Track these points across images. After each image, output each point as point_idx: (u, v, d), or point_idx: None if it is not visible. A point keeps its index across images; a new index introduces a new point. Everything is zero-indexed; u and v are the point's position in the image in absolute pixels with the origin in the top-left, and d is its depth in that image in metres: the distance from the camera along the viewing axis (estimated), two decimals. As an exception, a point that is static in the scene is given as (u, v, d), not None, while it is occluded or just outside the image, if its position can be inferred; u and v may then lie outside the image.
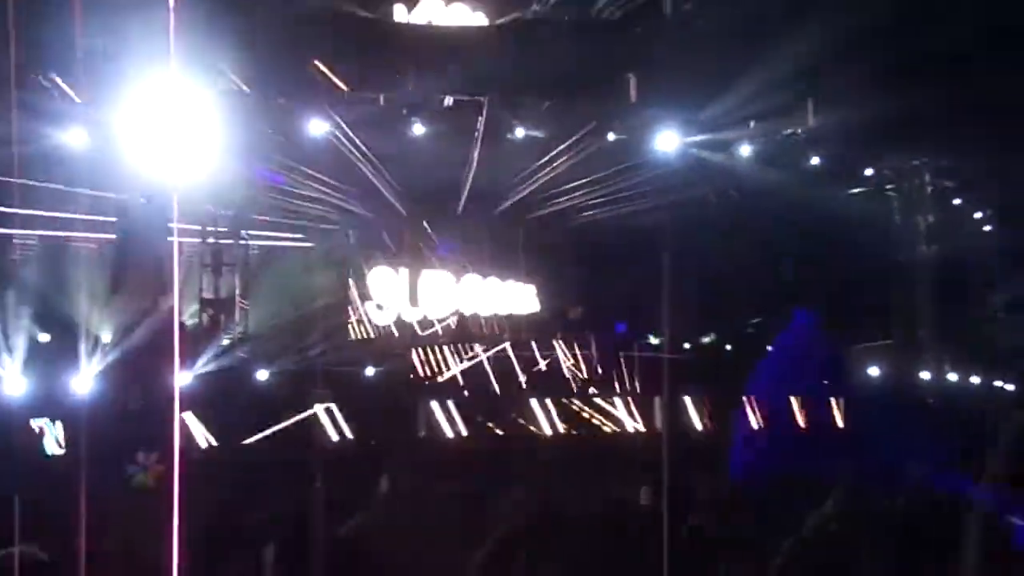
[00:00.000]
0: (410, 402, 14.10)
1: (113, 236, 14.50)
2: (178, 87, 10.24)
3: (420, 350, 15.96)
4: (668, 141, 15.03)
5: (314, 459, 9.87)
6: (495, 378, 15.88)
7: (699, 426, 14.41)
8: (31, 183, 13.02)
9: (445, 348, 16.14)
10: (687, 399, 14.34)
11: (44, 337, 14.48)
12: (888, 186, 16.89)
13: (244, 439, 12.53)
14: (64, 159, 13.32)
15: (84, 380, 13.37)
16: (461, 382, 15.69)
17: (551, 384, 16.07)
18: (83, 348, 13.57)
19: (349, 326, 15.70)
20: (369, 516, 7.53)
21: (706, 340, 17.46)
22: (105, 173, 13.73)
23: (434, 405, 13.86)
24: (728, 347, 17.51)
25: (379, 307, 16.02)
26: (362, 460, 11.65)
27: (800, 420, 14.25)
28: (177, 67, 8.44)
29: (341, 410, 12.96)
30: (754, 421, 14.01)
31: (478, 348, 16.03)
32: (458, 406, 13.96)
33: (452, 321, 16.43)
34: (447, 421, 13.86)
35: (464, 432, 13.79)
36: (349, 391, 13.73)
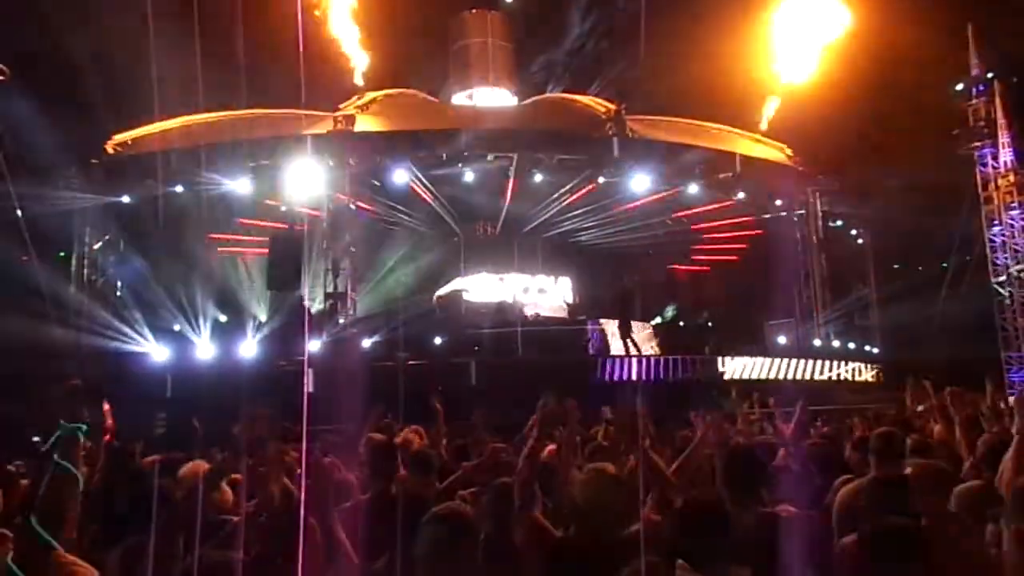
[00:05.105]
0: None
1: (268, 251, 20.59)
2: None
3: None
4: (640, 183, 20.87)
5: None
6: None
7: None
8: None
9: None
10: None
11: (223, 317, 20.94)
12: (797, 211, 22.90)
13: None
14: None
15: (248, 346, 19.97)
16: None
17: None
18: (248, 325, 20.12)
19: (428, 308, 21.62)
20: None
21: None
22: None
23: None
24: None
25: (465, 292, 22.02)
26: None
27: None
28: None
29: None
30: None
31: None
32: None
33: (494, 304, 22.11)
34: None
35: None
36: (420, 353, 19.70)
